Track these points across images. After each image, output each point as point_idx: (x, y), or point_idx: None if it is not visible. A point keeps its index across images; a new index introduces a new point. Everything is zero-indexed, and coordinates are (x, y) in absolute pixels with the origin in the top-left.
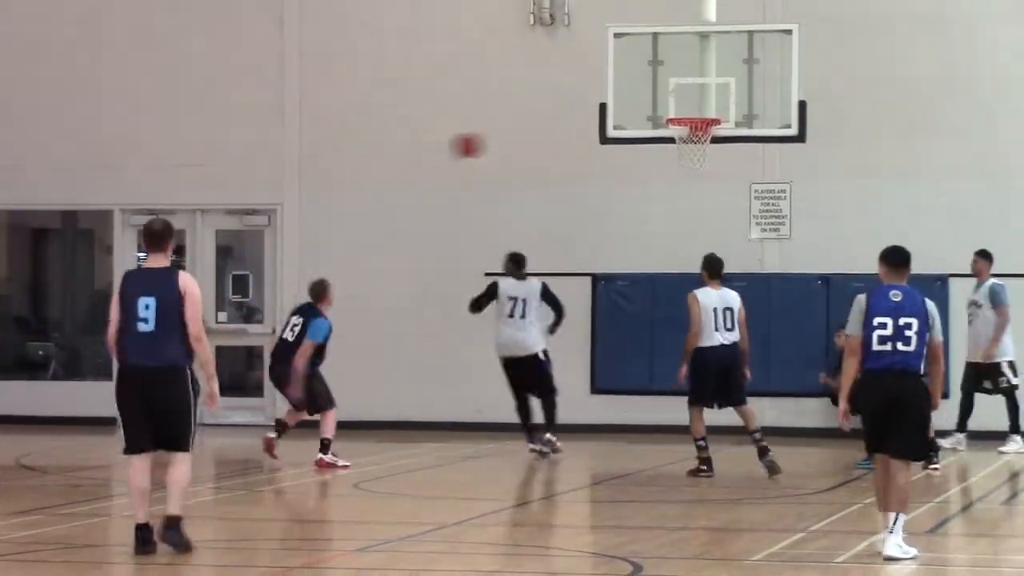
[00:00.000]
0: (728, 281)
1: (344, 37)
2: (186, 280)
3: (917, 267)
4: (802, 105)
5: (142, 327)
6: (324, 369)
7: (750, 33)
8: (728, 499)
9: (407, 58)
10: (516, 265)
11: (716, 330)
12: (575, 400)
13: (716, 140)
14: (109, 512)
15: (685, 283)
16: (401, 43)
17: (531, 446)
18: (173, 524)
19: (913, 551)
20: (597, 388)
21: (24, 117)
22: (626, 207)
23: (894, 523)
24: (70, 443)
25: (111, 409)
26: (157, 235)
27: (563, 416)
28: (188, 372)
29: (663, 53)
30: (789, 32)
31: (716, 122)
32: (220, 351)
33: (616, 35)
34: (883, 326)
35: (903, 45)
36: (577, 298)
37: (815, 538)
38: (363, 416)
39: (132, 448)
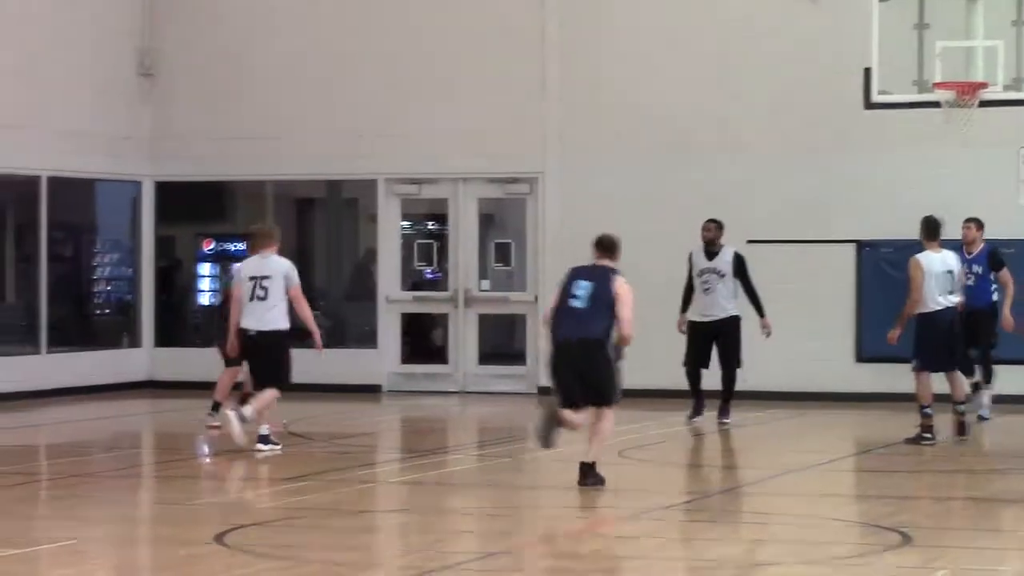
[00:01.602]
0: (997, 248)
1: (604, 7)
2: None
3: None
4: None
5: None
6: None
7: None
8: (994, 469)
9: (667, 28)
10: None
11: (940, 294)
12: (840, 369)
13: (983, 104)
14: (375, 479)
15: (949, 249)
16: (661, 13)
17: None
18: (589, 467)
19: None
20: (863, 356)
21: (290, 89)
22: (891, 173)
23: None
24: (335, 410)
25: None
26: (610, 244)
27: (828, 384)
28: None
29: (929, 16)
30: None
31: (983, 86)
32: (483, 319)
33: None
34: None
35: None
36: (841, 266)
37: None
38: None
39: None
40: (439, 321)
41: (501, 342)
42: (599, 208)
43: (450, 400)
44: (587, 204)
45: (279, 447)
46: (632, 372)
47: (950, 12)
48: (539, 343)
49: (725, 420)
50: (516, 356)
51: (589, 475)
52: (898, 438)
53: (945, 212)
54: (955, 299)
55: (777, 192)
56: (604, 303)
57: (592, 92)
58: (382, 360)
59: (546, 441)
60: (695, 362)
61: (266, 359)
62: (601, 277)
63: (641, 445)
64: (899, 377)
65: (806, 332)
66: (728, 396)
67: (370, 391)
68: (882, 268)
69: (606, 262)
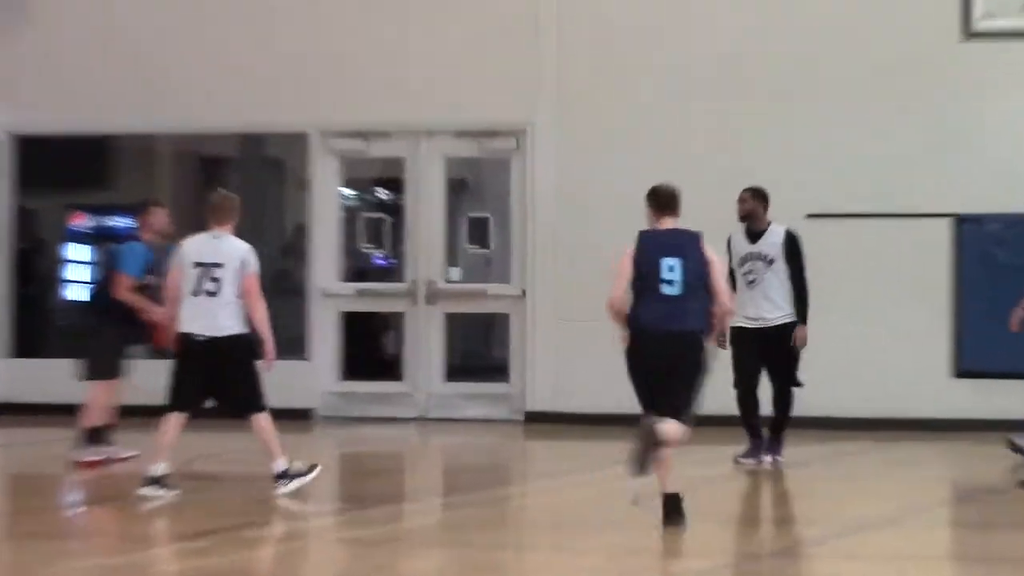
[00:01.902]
0: None
1: None
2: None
3: None
4: None
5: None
6: None
7: None
8: None
9: None
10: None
11: None
12: (932, 387)
13: None
14: (303, 535)
15: None
16: None
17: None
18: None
19: None
20: (962, 370)
21: (192, 13)
22: (998, 123)
23: None
24: (252, 442)
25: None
26: (670, 198)
27: (915, 408)
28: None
29: None
30: None
31: None
32: (452, 321)
33: None
34: None
35: None
36: (932, 249)
37: None
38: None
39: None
40: (392, 323)
41: (476, 352)
42: (606, 170)
43: (407, 429)
44: (590, 165)
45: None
46: None
47: None
48: (527, 352)
49: (778, 457)
50: (496, 370)
51: (678, 509)
52: (1009, 480)
53: None
54: None
55: (841, 152)
56: (700, 282)
57: (597, 22)
58: (315, 375)
59: (643, 467)
60: (746, 383)
61: (231, 376)
62: (689, 247)
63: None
64: (1011, 396)
65: (884, 339)
66: (780, 425)
67: (299, 417)
68: (989, 251)
69: (676, 223)
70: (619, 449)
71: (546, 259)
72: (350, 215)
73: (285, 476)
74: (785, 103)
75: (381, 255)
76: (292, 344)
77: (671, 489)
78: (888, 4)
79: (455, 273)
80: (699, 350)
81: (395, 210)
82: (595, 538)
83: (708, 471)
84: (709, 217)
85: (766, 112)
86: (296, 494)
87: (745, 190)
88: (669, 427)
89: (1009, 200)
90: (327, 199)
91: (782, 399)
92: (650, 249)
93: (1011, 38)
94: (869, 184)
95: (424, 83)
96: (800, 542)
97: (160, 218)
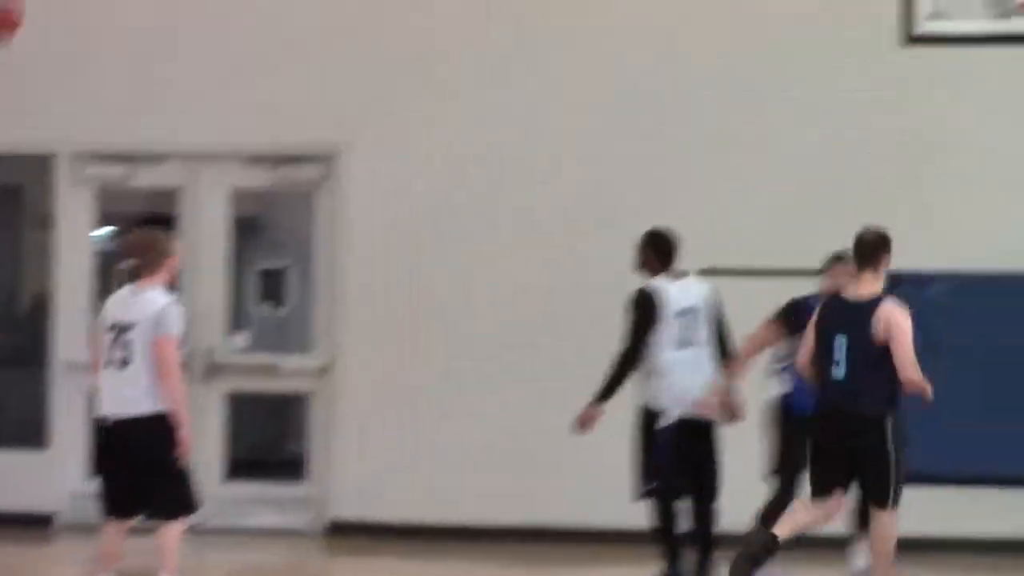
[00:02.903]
0: None
1: None
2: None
3: None
4: None
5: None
6: None
7: None
8: None
9: None
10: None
11: None
12: None
13: None
14: None
15: None
16: None
17: None
18: None
19: None
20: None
21: None
22: (945, 151)
23: None
24: None
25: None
26: (868, 247)
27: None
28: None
29: None
30: None
31: None
32: (236, 403)
33: None
34: None
35: None
36: None
37: None
38: (469, 520)
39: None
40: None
41: (267, 443)
42: (441, 203)
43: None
44: (422, 198)
45: None
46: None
47: None
48: (332, 444)
49: None
50: (292, 466)
51: None
52: None
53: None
54: None
55: (749, 185)
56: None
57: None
58: (57, 471)
59: None
60: (668, 485)
61: (148, 470)
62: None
63: None
64: None
65: None
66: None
67: (36, 524)
68: (937, 319)
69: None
70: (444, 570)
71: (361, 321)
72: (106, 262)
73: None
74: (668, 125)
75: None
76: (26, 429)
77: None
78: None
79: (240, 340)
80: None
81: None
82: None
83: None
84: (579, 251)
85: (643, 137)
86: None
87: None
88: None
89: (964, 253)
90: (77, 240)
91: (701, 510)
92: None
93: (961, 44)
94: (777, 233)
95: (204, 99)
96: None
97: None
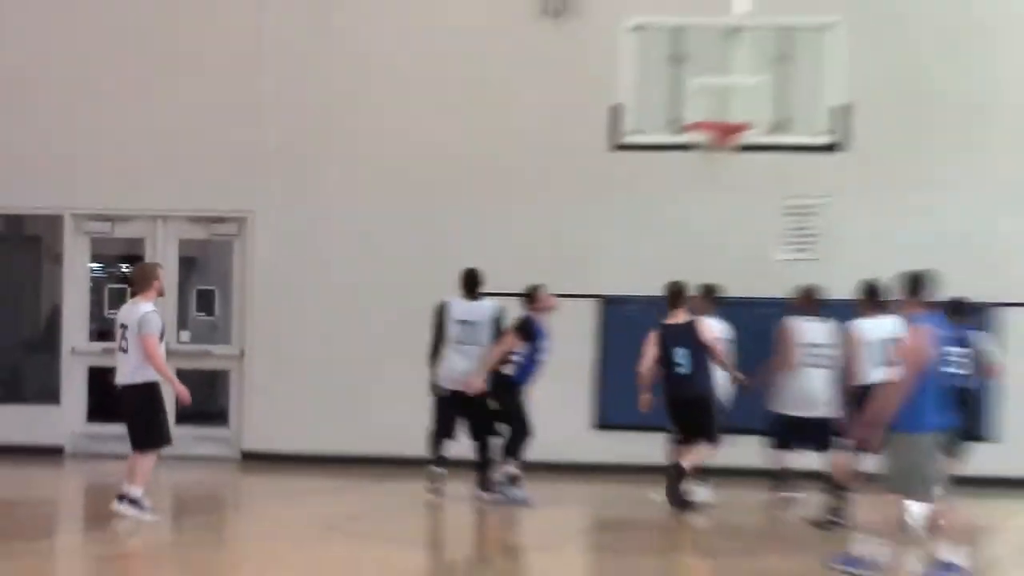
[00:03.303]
0: (754, 306)
1: (331, 24)
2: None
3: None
4: (843, 111)
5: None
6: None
7: (785, 28)
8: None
9: (398, 53)
10: (469, 283)
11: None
12: (575, 437)
13: (743, 148)
14: (51, 552)
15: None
16: (391, 36)
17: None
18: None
19: None
20: (601, 423)
21: None
22: (640, 221)
23: None
24: (5, 474)
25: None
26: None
27: (562, 454)
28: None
29: (686, 48)
30: (831, 28)
31: (743, 128)
32: (182, 375)
33: (633, 27)
34: None
35: (963, 48)
36: (581, 322)
37: None
38: (332, 450)
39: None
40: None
41: (201, 400)
42: (318, 256)
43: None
44: (304, 247)
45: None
46: (356, 437)
47: (709, 45)
48: (244, 402)
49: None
50: (218, 416)
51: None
52: (632, 514)
53: (698, 265)
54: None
55: (513, 237)
56: None
57: (316, 118)
58: (65, 418)
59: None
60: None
61: (128, 417)
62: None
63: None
64: (639, 445)
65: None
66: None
67: (51, 453)
68: (625, 326)
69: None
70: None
71: (261, 325)
72: (97, 285)
73: (134, 503)
74: (465, 196)
75: None
76: (45, 392)
77: None
78: (552, 118)
79: (185, 336)
80: None
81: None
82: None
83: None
84: (404, 290)
85: (449, 206)
86: (125, 519)
87: (468, 271)
88: None
89: (646, 283)
90: (78, 272)
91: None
92: None
93: (652, 150)
94: (529, 268)
95: (162, 173)
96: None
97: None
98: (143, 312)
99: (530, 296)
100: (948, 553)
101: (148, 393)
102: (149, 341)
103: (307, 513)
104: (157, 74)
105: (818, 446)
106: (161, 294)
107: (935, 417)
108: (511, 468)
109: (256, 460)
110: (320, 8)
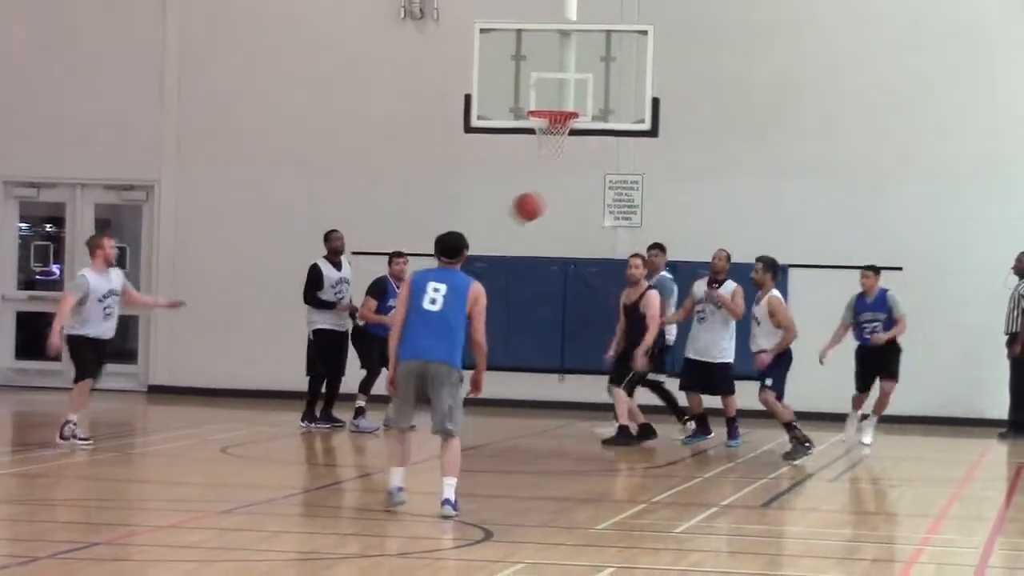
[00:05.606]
0: (581, 265)
1: (225, 20)
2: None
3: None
4: (655, 102)
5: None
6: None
7: (608, 33)
8: (576, 471)
9: (284, 44)
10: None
11: None
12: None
13: (574, 132)
14: None
15: (539, 266)
16: (278, 30)
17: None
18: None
19: None
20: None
21: None
22: (487, 194)
23: None
24: None
25: None
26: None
27: None
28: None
29: (526, 48)
30: (644, 33)
31: (574, 115)
32: None
33: (482, 30)
34: None
35: (749, 50)
36: None
37: (656, 509)
38: (240, 385)
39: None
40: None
41: (114, 341)
42: (214, 219)
43: (63, 396)
44: (202, 215)
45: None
46: (257, 374)
47: (546, 46)
48: (151, 343)
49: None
50: (129, 355)
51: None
52: (483, 441)
53: (538, 232)
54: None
55: (380, 208)
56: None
57: (210, 104)
58: None
59: None
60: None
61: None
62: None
63: (244, 443)
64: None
65: None
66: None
67: None
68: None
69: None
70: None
71: (166, 278)
72: (25, 242)
73: (67, 429)
74: (345, 169)
75: (47, 271)
76: None
77: None
78: (415, 106)
79: None
80: None
81: (58, 239)
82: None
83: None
84: (297, 257)
85: (330, 178)
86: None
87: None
88: None
89: (493, 246)
90: (7, 230)
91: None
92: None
93: (498, 133)
94: (399, 233)
95: (81, 144)
96: (344, 480)
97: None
98: (78, 274)
99: (391, 258)
100: None
101: (73, 340)
102: (65, 295)
103: (203, 439)
104: (70, 59)
105: None
106: (109, 262)
107: None
108: (361, 401)
109: (161, 393)
110: (213, 9)
